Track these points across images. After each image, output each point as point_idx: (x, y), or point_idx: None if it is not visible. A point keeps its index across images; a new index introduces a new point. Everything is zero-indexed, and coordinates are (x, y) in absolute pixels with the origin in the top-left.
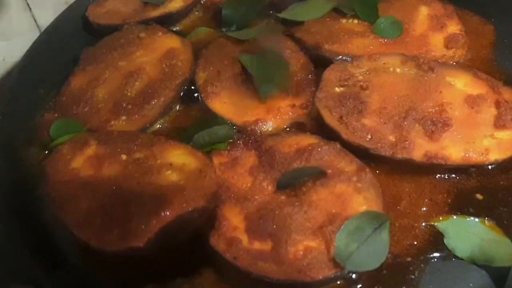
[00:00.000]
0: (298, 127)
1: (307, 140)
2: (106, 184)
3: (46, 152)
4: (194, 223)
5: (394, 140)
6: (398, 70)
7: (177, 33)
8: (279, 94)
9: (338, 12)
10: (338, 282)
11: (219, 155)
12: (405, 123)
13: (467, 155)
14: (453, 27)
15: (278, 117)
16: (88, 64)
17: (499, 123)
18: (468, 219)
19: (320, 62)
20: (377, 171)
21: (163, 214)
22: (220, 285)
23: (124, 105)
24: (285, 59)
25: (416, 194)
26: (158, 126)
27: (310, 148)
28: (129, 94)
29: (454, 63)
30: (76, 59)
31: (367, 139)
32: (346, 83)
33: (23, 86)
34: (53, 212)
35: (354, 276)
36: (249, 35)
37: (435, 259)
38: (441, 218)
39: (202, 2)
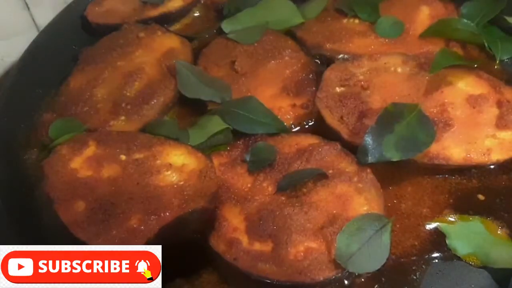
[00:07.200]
0: (298, 127)
1: (307, 140)
2: (105, 184)
3: (45, 152)
4: (194, 224)
5: None
6: (399, 69)
7: (176, 32)
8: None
9: (339, 11)
10: (338, 283)
11: (219, 156)
12: None
13: (468, 155)
14: None
15: (278, 117)
16: (87, 64)
17: (501, 123)
18: (470, 219)
19: (321, 61)
20: (378, 172)
21: (162, 214)
22: (220, 286)
23: (123, 105)
24: None
25: (417, 195)
26: None
27: (310, 148)
28: (128, 94)
29: None
30: (75, 58)
31: None
32: (346, 83)
33: (21, 86)
34: (52, 212)
35: (354, 277)
36: (249, 40)
37: (437, 260)
38: (442, 219)
39: (202, 1)
